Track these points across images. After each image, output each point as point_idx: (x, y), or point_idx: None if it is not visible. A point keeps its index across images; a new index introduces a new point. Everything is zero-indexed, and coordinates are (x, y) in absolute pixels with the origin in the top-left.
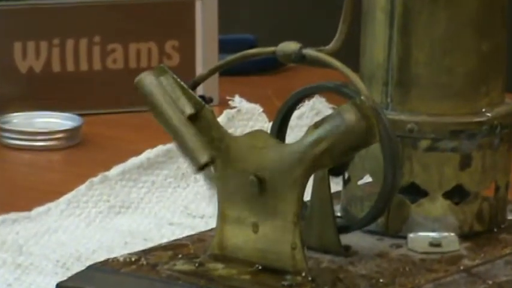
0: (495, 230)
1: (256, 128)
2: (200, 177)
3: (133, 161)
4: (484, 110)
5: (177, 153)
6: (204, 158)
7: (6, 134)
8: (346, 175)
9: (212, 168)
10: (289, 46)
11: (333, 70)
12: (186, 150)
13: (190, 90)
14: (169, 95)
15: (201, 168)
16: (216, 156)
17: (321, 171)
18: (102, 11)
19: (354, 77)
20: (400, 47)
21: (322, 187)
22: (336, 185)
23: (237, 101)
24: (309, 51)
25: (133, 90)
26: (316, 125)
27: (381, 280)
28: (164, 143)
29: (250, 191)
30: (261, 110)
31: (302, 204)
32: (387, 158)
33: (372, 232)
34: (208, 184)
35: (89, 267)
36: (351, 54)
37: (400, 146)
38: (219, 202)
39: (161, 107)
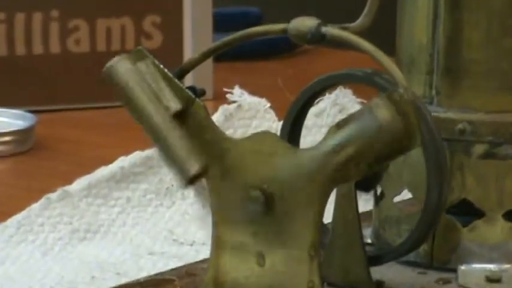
0: None
1: (262, 128)
2: (189, 192)
3: (103, 171)
4: None
5: (160, 161)
6: (194, 168)
7: None
8: (379, 190)
9: (204, 182)
10: (305, 23)
11: (361, 54)
12: (171, 158)
13: (177, 80)
14: (149, 87)
15: (190, 181)
16: (209, 165)
17: (346, 186)
18: None
19: (388, 63)
20: (449, 24)
21: (347, 206)
22: (365, 203)
23: (237, 93)
24: (330, 29)
25: (102, 80)
26: (340, 125)
27: None
28: (142, 148)
29: (254, 211)
30: (268, 105)
31: (321, 228)
32: (431, 167)
33: (412, 264)
34: (200, 201)
35: None
36: (384, 33)
37: (447, 152)
38: (213, 225)
39: (139, 101)
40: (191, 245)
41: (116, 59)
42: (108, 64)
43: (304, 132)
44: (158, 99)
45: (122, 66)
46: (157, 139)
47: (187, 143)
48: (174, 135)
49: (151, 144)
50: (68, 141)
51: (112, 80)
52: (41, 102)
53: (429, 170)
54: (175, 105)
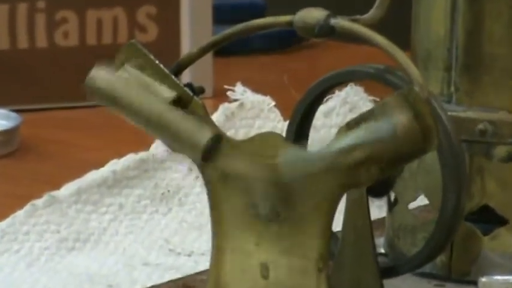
0: None
1: (266, 129)
2: (187, 198)
3: (93, 176)
4: None
5: (155, 165)
6: (207, 135)
7: None
8: (392, 196)
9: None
10: (312, 14)
11: (373, 48)
12: (177, 137)
13: (173, 77)
14: (137, 88)
15: (206, 151)
16: (209, 168)
17: (357, 191)
18: None
19: (402, 58)
20: (468, 16)
21: (358, 213)
22: (377, 209)
23: (239, 91)
24: (340, 22)
25: (86, 87)
26: (350, 126)
27: None
28: (136, 150)
29: (257, 219)
30: (273, 103)
31: (330, 237)
32: (448, 171)
33: (428, 275)
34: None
35: None
36: (397, 26)
37: (466, 154)
38: (213, 233)
39: (130, 102)
40: (189, 255)
41: (92, 72)
42: (87, 79)
43: (312, 133)
44: (151, 94)
45: (101, 79)
46: (158, 126)
47: (193, 118)
48: (177, 115)
49: (144, 146)
50: (56, 142)
51: (94, 91)
52: (27, 101)
53: (446, 174)
54: (169, 94)
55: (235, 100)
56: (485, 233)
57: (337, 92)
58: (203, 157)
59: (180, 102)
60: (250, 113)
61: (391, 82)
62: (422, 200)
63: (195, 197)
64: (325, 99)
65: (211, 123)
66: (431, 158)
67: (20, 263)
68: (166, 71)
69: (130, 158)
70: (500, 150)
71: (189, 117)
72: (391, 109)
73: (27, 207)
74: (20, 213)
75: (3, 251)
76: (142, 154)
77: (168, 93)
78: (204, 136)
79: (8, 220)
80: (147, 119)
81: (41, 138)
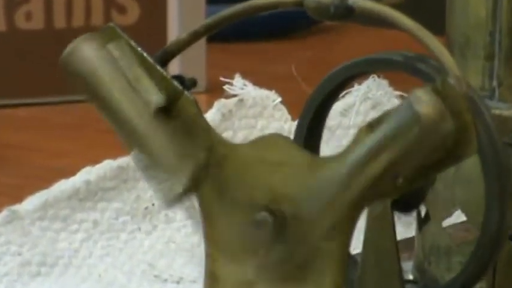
0: None
1: (271, 130)
2: (176, 214)
3: (62, 186)
4: None
5: (136, 174)
6: (182, 181)
7: None
8: (423, 211)
9: (195, 200)
10: None
11: (400, 32)
12: (151, 168)
13: (159, 67)
14: (123, 77)
15: (177, 198)
16: (202, 177)
17: (380, 205)
18: None
19: (435, 44)
20: None
21: (381, 232)
22: (404, 228)
23: (238, 84)
24: (360, 1)
25: (61, 68)
26: (372, 126)
27: None
28: (114, 156)
29: (259, 239)
30: (279, 99)
31: (347, 261)
32: (491, 181)
33: None
34: (192, 225)
35: None
36: (429, 6)
37: None
38: (206, 257)
39: (110, 96)
40: (178, 282)
41: (77, 41)
42: (67, 49)
43: (325, 135)
44: (135, 92)
45: (86, 51)
46: (133, 143)
47: (174, 147)
48: (156, 138)
49: (125, 151)
50: (16, 147)
51: (73, 70)
52: None
53: (488, 184)
54: (157, 99)
55: (234, 96)
56: None
57: (356, 85)
58: (172, 202)
59: (167, 111)
60: (251, 111)
61: (422, 73)
62: (459, 217)
63: (184, 213)
64: (341, 94)
65: (205, 124)
66: (470, 165)
67: None
68: (151, 60)
69: (106, 166)
70: None
71: (168, 147)
72: (421, 105)
73: None
74: None
75: None
76: (121, 160)
77: (156, 98)
78: (179, 181)
79: None
80: (121, 123)
81: None
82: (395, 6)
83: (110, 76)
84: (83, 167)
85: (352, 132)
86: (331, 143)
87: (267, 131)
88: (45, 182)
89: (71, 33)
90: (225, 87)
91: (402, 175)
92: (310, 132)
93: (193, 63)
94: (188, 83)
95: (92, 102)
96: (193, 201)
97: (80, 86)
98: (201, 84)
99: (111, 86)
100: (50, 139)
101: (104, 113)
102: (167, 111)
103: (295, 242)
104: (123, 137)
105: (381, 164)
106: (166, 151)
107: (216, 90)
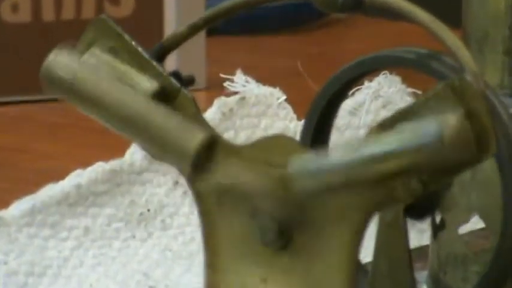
0: None
1: (275, 130)
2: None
3: (51, 191)
4: None
5: (130, 177)
6: (198, 138)
7: None
8: (438, 218)
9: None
10: None
11: (413, 26)
12: (162, 143)
13: (155, 63)
14: (116, 74)
15: (197, 159)
16: (200, 180)
17: (392, 211)
18: None
19: (451, 39)
20: None
21: (393, 239)
22: (418, 235)
23: (240, 81)
24: None
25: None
26: (384, 126)
27: None
28: (106, 157)
29: (263, 247)
30: (284, 97)
31: (357, 270)
32: (509, 185)
33: None
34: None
35: None
36: None
37: None
38: (206, 266)
39: (103, 95)
40: None
41: (50, 57)
42: (43, 66)
43: (334, 135)
44: (125, 86)
45: (61, 66)
46: (135, 127)
47: (180, 117)
48: (159, 113)
49: (117, 153)
50: (1, 148)
51: (55, 76)
52: None
53: (506, 188)
54: (150, 84)
55: (235, 93)
56: None
57: (366, 82)
58: (193, 166)
59: (163, 96)
60: (254, 109)
61: (436, 70)
62: (476, 223)
63: (182, 219)
64: (351, 91)
65: (203, 123)
66: (488, 168)
67: None
68: (146, 55)
69: (98, 168)
70: None
71: (175, 115)
72: (436, 105)
73: None
74: None
75: None
76: (114, 163)
77: (149, 85)
78: (194, 139)
79: None
80: (121, 118)
81: None
82: None
83: (96, 76)
84: (73, 169)
85: (362, 132)
86: (340, 143)
87: (271, 131)
88: (33, 185)
89: (60, 27)
90: (226, 84)
91: (416, 178)
92: (318, 133)
93: (191, 59)
94: (186, 80)
95: (81, 107)
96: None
97: (60, 94)
98: (200, 81)
99: (99, 83)
100: (37, 139)
101: (95, 114)
102: (164, 97)
103: (301, 251)
104: (121, 127)
105: (392, 166)
106: (171, 120)
107: (216, 88)
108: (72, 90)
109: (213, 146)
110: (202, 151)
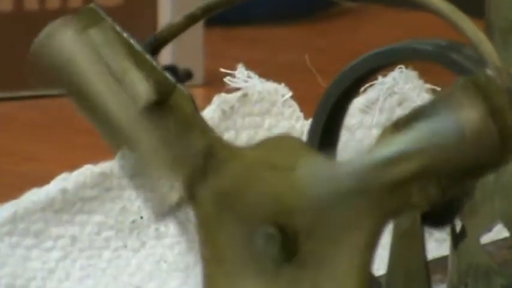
0: None
1: (280, 130)
2: (168, 228)
3: (34, 196)
4: None
5: (121, 181)
6: (175, 191)
7: None
8: (458, 226)
9: (191, 212)
10: None
11: (430, 16)
12: (140, 175)
13: (149, 56)
14: (107, 68)
15: (169, 210)
16: (198, 186)
17: (408, 219)
18: None
19: (472, 30)
20: None
21: (409, 250)
22: (437, 245)
23: (242, 76)
24: None
25: (33, 56)
26: (399, 126)
27: None
28: (95, 160)
29: (266, 258)
30: (289, 94)
31: (369, 283)
32: None
33: None
34: (186, 242)
35: None
36: None
37: None
38: (204, 278)
39: (91, 90)
40: None
41: (51, 27)
42: (40, 37)
43: (344, 135)
44: (121, 86)
45: (61, 39)
46: (118, 146)
47: (165, 150)
48: (145, 139)
49: (108, 154)
50: None
51: (47, 62)
52: None
53: None
54: (146, 93)
55: (236, 89)
56: None
57: (380, 78)
58: (164, 215)
59: (158, 108)
60: (257, 107)
61: (457, 63)
62: (500, 232)
63: (178, 228)
64: (363, 88)
65: (201, 123)
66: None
67: None
68: (139, 48)
69: (86, 172)
70: None
71: (158, 151)
72: (456, 102)
73: None
74: None
75: None
76: (103, 166)
77: (145, 93)
78: (171, 191)
79: None
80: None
81: None
82: None
83: (91, 68)
84: (59, 173)
85: (375, 132)
86: (351, 144)
87: (275, 131)
88: (15, 190)
89: (45, 17)
90: (226, 79)
91: (434, 183)
92: (326, 133)
93: (188, 52)
94: (182, 75)
95: (71, 98)
96: (189, 214)
97: (55, 80)
98: (198, 76)
99: (93, 79)
100: (19, 140)
101: (84, 111)
102: (158, 108)
103: (307, 262)
104: (107, 138)
105: (408, 169)
106: (156, 154)
107: (215, 83)
108: (63, 78)
109: (211, 151)
110: (185, 198)
